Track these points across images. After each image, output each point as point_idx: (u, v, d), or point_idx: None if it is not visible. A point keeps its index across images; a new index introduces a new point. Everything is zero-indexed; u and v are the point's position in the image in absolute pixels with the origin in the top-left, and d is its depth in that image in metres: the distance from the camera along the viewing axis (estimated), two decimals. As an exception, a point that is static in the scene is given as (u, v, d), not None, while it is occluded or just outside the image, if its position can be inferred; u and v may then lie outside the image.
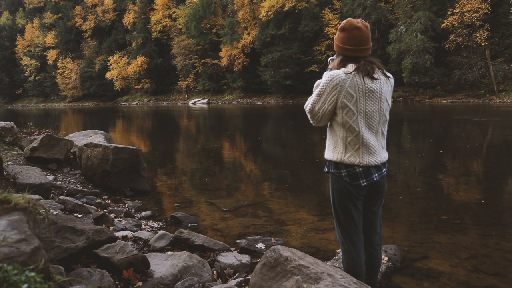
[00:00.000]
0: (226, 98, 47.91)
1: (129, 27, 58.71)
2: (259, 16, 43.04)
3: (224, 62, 46.18)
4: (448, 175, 6.52)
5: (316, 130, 12.16)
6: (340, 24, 2.17)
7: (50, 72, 66.03)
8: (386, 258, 3.02)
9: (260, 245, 3.42)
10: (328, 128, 2.23)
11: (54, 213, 3.03)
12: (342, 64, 2.13)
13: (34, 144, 5.85)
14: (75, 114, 32.70)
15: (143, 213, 4.46)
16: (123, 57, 57.86)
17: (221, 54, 46.63)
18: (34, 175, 4.48)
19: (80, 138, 7.53)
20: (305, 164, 7.93)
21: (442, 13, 32.72)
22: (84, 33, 65.77)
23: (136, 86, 56.24)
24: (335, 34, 2.20)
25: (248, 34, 45.49)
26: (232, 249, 3.35)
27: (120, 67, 56.49)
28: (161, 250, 3.17)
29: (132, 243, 3.34)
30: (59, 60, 64.71)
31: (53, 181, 5.18)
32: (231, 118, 22.84)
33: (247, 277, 2.67)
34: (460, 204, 4.80)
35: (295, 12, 41.27)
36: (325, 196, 5.19)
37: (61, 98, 66.41)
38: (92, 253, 2.51)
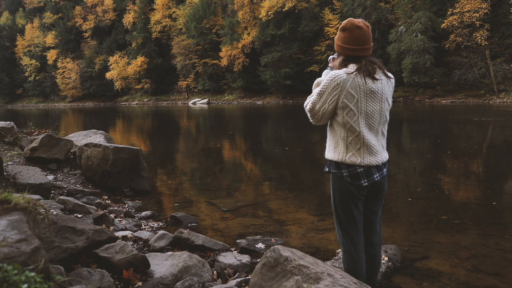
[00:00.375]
0: (226, 98, 47.91)
1: (129, 27, 58.72)
2: (259, 16, 43.05)
3: (224, 62, 46.18)
4: (448, 175, 6.52)
5: (316, 130, 12.17)
6: (340, 24, 2.17)
7: (50, 72, 66.03)
8: (386, 258, 3.02)
9: (260, 245, 3.42)
10: (328, 128, 2.23)
11: (54, 213, 3.02)
12: (343, 64, 2.12)
13: (34, 144, 5.85)
14: (75, 114, 32.70)
15: (143, 213, 4.46)
16: (123, 57, 57.87)
17: (221, 54, 46.64)
18: (34, 175, 4.48)
19: (80, 138, 7.53)
20: (305, 164, 7.93)
21: (442, 13, 32.72)
22: (84, 33, 65.77)
23: (136, 86, 56.24)
24: (335, 34, 2.20)
25: (248, 34, 45.49)
26: (232, 249, 3.35)
27: (120, 67, 56.50)
28: (161, 250, 3.17)
29: (132, 243, 3.33)
30: (59, 60, 64.72)
31: (53, 181, 5.18)
32: (231, 118, 22.84)
33: (247, 277, 2.67)
34: (460, 204, 4.80)
35: (295, 12, 41.27)
36: (325, 196, 5.19)
37: (61, 98, 66.42)
38: (92, 253, 2.51)
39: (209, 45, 49.56)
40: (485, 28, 30.63)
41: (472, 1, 30.62)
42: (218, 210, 4.70)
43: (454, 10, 31.41)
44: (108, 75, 57.19)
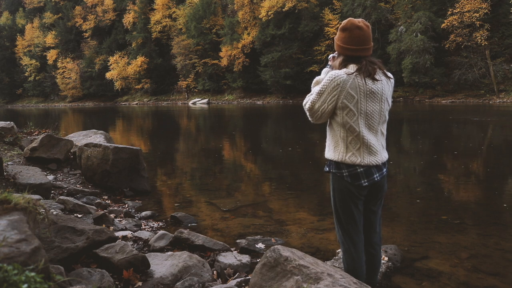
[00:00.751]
0: (226, 98, 47.91)
1: (129, 27, 58.70)
2: (259, 16, 43.03)
3: (224, 62, 46.17)
4: (448, 175, 6.52)
5: (317, 130, 12.17)
6: (340, 24, 2.16)
7: (50, 72, 66.02)
8: (386, 258, 3.02)
9: (260, 245, 3.42)
10: (328, 127, 2.23)
11: (54, 213, 3.02)
12: (343, 64, 2.12)
13: (34, 144, 5.85)
14: (75, 114, 32.70)
15: (143, 213, 4.46)
16: (123, 57, 57.86)
17: (221, 54, 46.63)
18: (34, 175, 4.48)
19: (80, 138, 7.53)
20: (305, 164, 7.93)
21: (442, 13, 32.72)
22: (84, 33, 65.75)
23: (136, 86, 56.23)
24: (335, 34, 2.19)
25: (248, 34, 45.48)
26: (232, 249, 3.35)
27: (120, 67, 56.49)
28: (161, 250, 3.17)
29: (132, 243, 3.33)
30: (59, 60, 64.70)
31: (53, 181, 5.18)
32: (231, 118, 22.84)
33: (247, 277, 2.67)
34: (460, 204, 4.80)
35: (295, 12, 41.26)
36: (325, 196, 5.19)
37: (61, 98, 66.41)
38: (92, 253, 2.51)
39: (209, 45, 49.56)
40: (485, 28, 30.63)
41: (472, 1, 30.61)
42: (218, 210, 4.70)
43: (454, 10, 31.40)
44: (108, 75, 57.18)
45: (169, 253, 2.88)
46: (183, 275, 2.54)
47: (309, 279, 1.84)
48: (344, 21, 2.12)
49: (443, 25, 31.71)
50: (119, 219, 4.11)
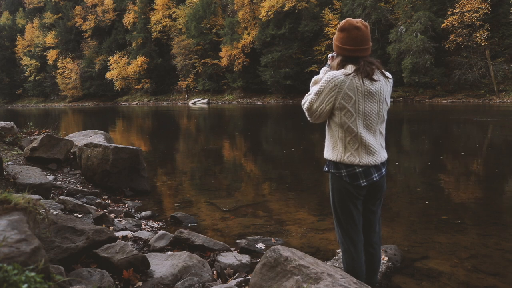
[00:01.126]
0: (226, 98, 47.91)
1: (129, 27, 58.71)
2: (259, 16, 43.04)
3: (224, 62, 46.18)
4: (448, 175, 6.52)
5: (316, 130, 12.17)
6: (339, 24, 2.16)
7: (50, 72, 66.03)
8: (386, 258, 3.02)
9: (260, 245, 3.42)
10: (326, 127, 2.23)
11: (54, 213, 3.03)
12: (341, 65, 2.12)
13: (34, 144, 5.85)
14: (75, 114, 32.70)
15: (143, 213, 4.46)
16: (123, 57, 57.87)
17: (221, 54, 46.64)
18: (34, 175, 4.48)
19: (80, 138, 7.53)
20: (305, 164, 7.93)
21: (442, 13, 32.72)
22: (84, 33, 65.77)
23: (136, 86, 56.24)
24: (335, 34, 2.18)
25: (248, 34, 45.49)
26: (232, 249, 3.35)
27: (120, 67, 56.50)
28: (161, 250, 3.17)
29: (132, 243, 3.34)
30: (59, 60, 64.72)
31: (53, 181, 5.18)
32: (231, 118, 22.84)
33: (247, 277, 2.67)
34: (460, 204, 4.80)
35: (295, 12, 41.27)
36: (325, 196, 5.19)
37: (61, 98, 66.42)
38: (92, 253, 2.51)
39: (209, 45, 49.56)
40: (485, 28, 30.63)
41: (472, 1, 30.61)
42: (218, 210, 4.70)
43: (454, 10, 31.40)
44: (108, 75, 57.19)
45: (169, 253, 2.88)
46: (183, 275, 2.54)
47: (309, 279, 1.85)
48: (342, 22, 2.12)
49: (443, 25, 31.72)
50: (119, 219, 4.11)
